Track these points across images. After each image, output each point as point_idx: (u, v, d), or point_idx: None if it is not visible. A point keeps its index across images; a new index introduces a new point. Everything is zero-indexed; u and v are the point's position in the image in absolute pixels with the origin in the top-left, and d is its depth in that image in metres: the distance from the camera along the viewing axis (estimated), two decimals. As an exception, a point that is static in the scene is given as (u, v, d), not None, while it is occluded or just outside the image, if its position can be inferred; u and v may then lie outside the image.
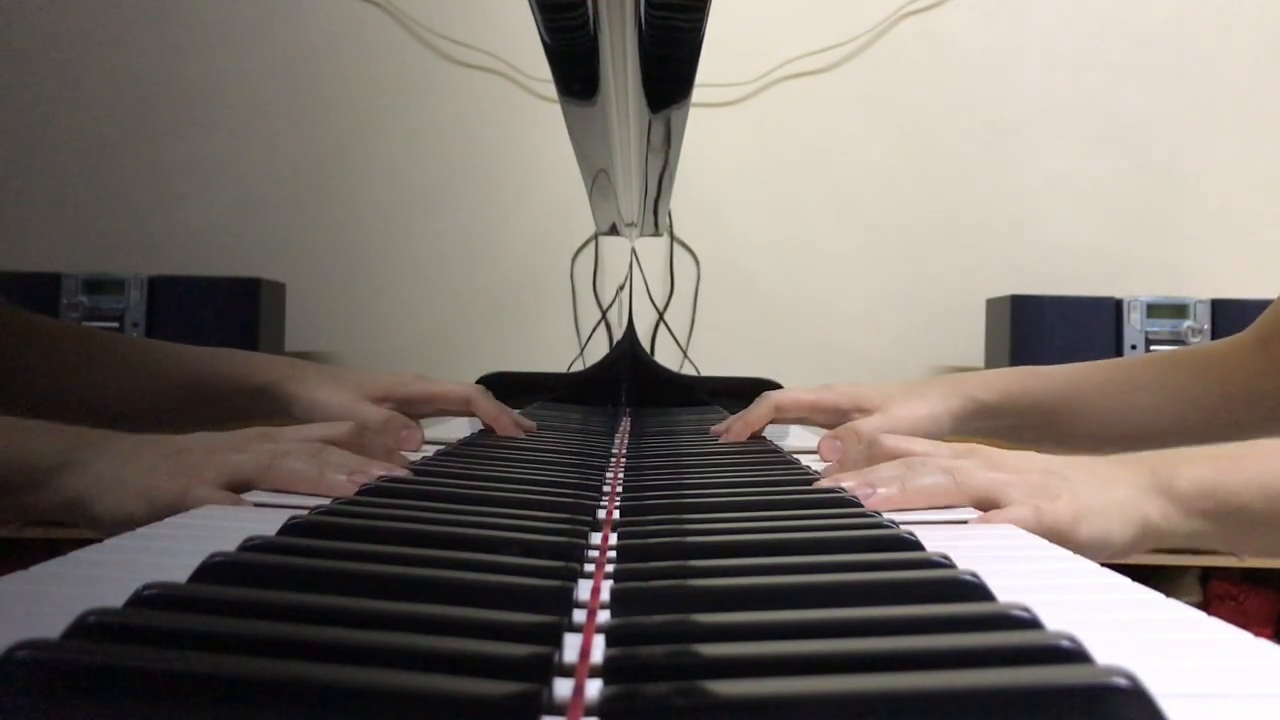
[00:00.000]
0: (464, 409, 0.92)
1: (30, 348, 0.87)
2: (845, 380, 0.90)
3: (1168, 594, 0.37)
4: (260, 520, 0.50)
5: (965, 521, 0.55)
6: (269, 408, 0.88)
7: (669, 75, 0.68)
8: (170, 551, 0.42)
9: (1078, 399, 0.88)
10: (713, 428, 0.90)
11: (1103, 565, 0.45)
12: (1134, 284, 2.11)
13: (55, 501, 0.59)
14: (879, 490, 0.57)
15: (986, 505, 0.57)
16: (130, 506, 0.57)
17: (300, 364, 0.91)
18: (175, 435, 0.63)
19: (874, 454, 0.66)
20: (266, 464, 0.58)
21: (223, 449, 0.60)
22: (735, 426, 0.87)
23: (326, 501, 0.51)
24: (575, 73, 0.68)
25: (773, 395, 0.89)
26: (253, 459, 0.59)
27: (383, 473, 0.59)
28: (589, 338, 2.20)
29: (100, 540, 0.43)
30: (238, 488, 0.57)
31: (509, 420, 0.88)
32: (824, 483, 0.60)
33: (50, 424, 0.61)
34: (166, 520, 0.50)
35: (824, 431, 0.83)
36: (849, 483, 0.59)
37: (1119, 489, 0.60)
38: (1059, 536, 0.56)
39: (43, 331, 0.90)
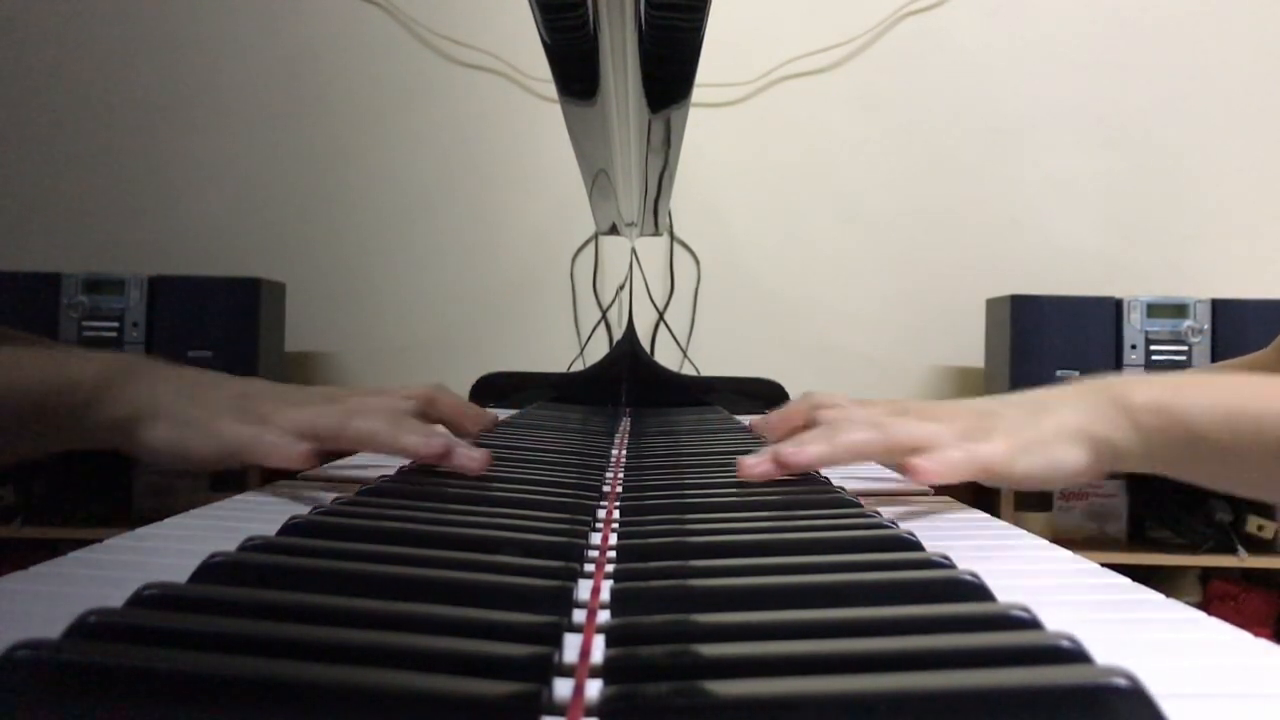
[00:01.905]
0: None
1: None
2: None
3: (1168, 594, 0.37)
4: (260, 520, 0.50)
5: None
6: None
7: (669, 75, 0.68)
8: (170, 551, 0.42)
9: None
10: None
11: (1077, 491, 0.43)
12: (1134, 284, 2.11)
13: (101, 422, 0.58)
14: (808, 449, 0.56)
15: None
16: (187, 441, 0.56)
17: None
18: (239, 378, 0.61)
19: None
20: (342, 420, 0.57)
21: (293, 400, 0.59)
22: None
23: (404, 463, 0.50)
24: (575, 73, 0.68)
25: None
26: (327, 413, 0.57)
27: (462, 450, 0.57)
28: (589, 338, 2.20)
29: (148, 467, 0.43)
30: (310, 440, 0.56)
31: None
32: (748, 461, 0.57)
33: (105, 353, 0.61)
34: (167, 520, 0.50)
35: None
36: (781, 445, 0.58)
37: (1065, 414, 0.58)
38: (996, 475, 0.56)
39: None
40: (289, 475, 0.66)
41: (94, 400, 0.58)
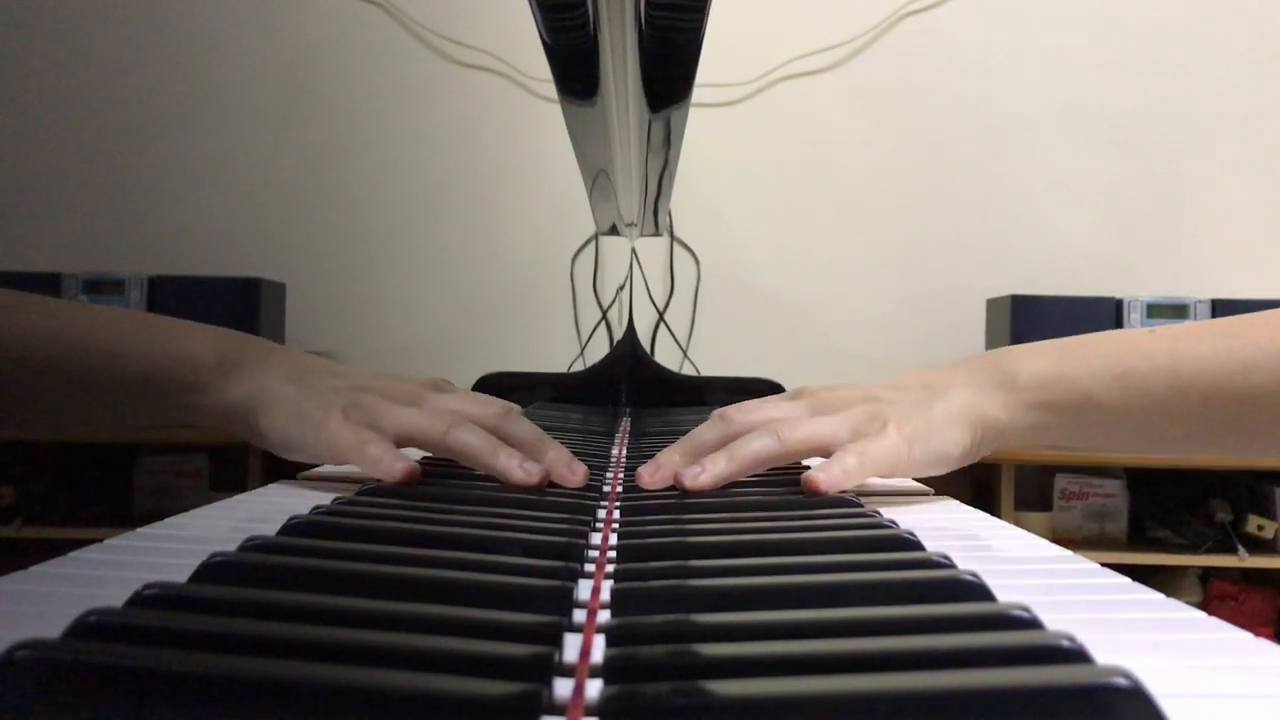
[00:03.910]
0: None
1: None
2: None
3: (1168, 594, 0.37)
4: (260, 520, 0.50)
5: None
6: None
7: (669, 75, 0.68)
8: (170, 551, 0.42)
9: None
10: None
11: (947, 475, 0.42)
12: (1134, 284, 2.11)
13: (218, 404, 0.58)
14: (707, 468, 0.55)
15: (817, 456, 0.57)
16: (300, 436, 0.56)
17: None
18: (340, 367, 0.61)
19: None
20: (444, 430, 0.57)
21: (397, 396, 0.59)
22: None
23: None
24: (575, 73, 0.68)
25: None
26: (431, 421, 0.57)
27: (563, 465, 0.56)
28: (589, 338, 2.20)
29: (258, 450, 0.42)
30: (410, 445, 0.56)
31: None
32: (645, 474, 0.56)
33: (211, 327, 0.60)
34: (167, 520, 0.50)
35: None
36: (674, 462, 0.57)
37: (956, 394, 0.59)
38: (894, 468, 0.57)
39: None
40: (290, 474, 0.66)
41: (210, 382, 0.58)
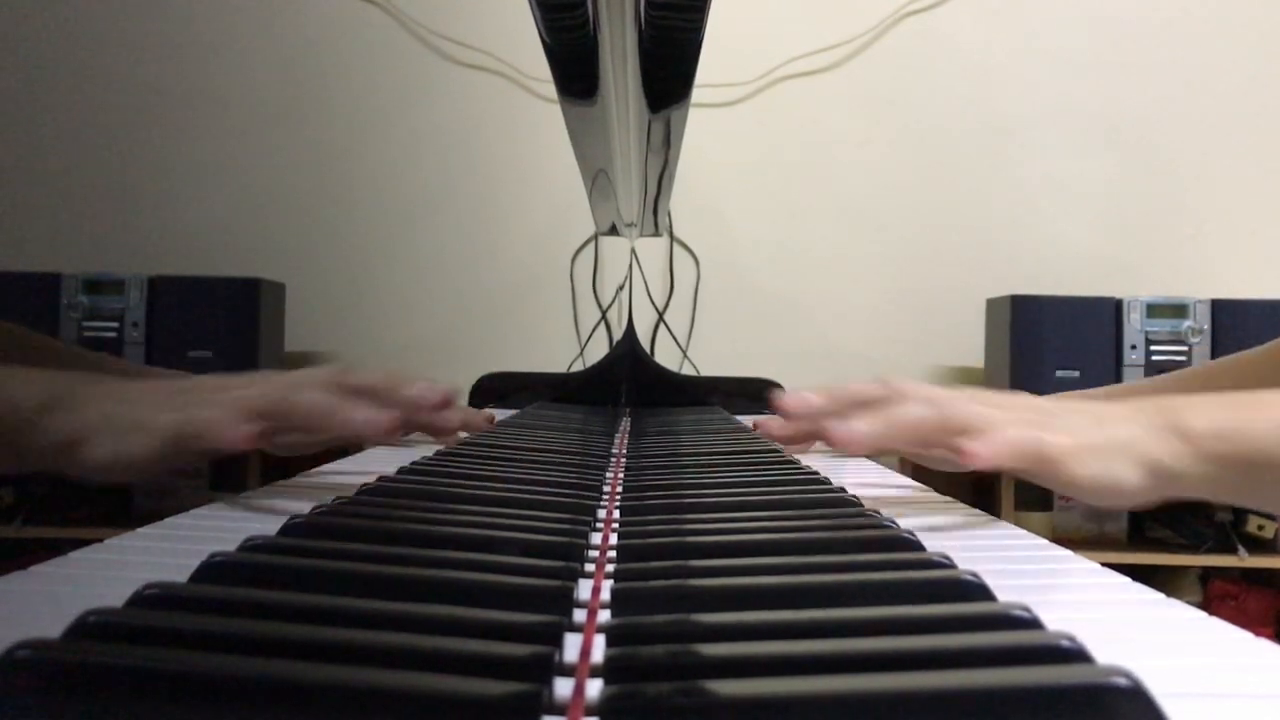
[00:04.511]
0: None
1: None
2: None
3: (1168, 594, 0.37)
4: (260, 520, 0.50)
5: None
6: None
7: (669, 75, 0.68)
8: (170, 551, 0.42)
9: None
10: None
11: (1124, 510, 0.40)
12: (1134, 284, 2.11)
13: (46, 445, 0.54)
14: (856, 425, 0.53)
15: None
16: (126, 446, 0.52)
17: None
18: (177, 378, 0.59)
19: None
20: (282, 395, 0.54)
21: (232, 385, 0.56)
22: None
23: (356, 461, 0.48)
24: (575, 73, 0.68)
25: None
26: (267, 389, 0.55)
27: (413, 392, 0.55)
28: (589, 338, 2.20)
29: (96, 488, 0.41)
30: (254, 420, 0.53)
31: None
32: (788, 400, 0.54)
33: (40, 369, 0.58)
34: (167, 520, 0.50)
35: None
36: (822, 404, 0.54)
37: (1122, 429, 0.54)
38: (1055, 469, 0.52)
39: None
40: (286, 473, 0.66)
41: (33, 423, 0.54)
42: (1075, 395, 0.59)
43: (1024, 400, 0.57)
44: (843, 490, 0.57)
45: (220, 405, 0.53)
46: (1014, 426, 0.52)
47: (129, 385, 0.57)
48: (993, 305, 2.09)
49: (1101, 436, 0.54)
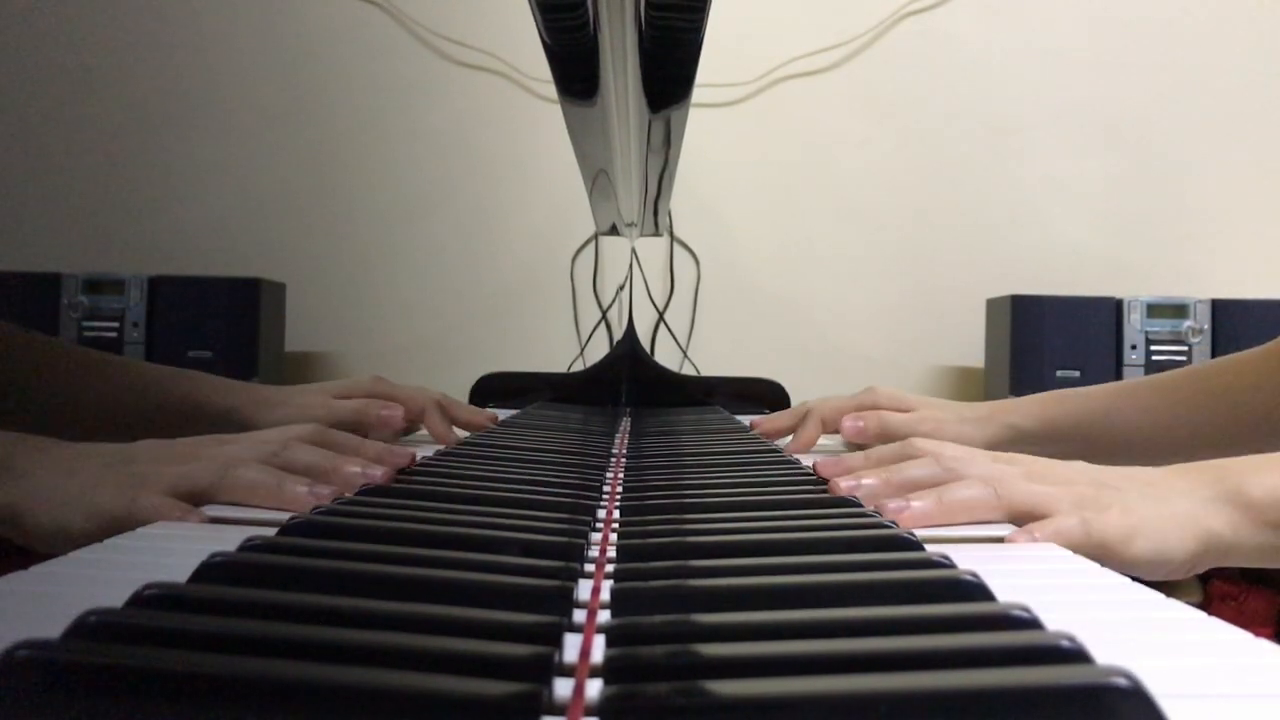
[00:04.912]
0: (417, 419, 0.89)
1: (32, 365, 0.83)
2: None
3: (1168, 594, 0.37)
4: (262, 520, 0.50)
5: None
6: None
7: (669, 75, 0.68)
8: (170, 551, 0.42)
9: (1118, 418, 0.83)
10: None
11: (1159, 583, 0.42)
12: (1134, 284, 2.11)
13: None
14: (913, 504, 0.53)
15: (1029, 520, 0.53)
16: (67, 519, 0.52)
17: (259, 388, 0.88)
18: (121, 444, 0.58)
19: (905, 452, 0.61)
20: (220, 473, 0.54)
21: (171, 458, 0.56)
22: (793, 448, 0.85)
23: (285, 516, 0.47)
24: (575, 73, 0.68)
25: (816, 409, 0.87)
26: (205, 468, 0.55)
27: (356, 469, 0.57)
28: (589, 338, 2.20)
29: (37, 556, 0.41)
30: (190, 500, 0.53)
31: (456, 441, 0.84)
32: (844, 484, 0.57)
33: None
34: (166, 520, 0.50)
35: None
36: (877, 489, 0.56)
37: (1177, 501, 0.55)
38: (1108, 552, 0.52)
39: (38, 348, 0.86)
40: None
41: None
42: (1125, 469, 0.59)
43: (1080, 471, 0.58)
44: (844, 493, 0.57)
45: (159, 485, 0.53)
46: (1068, 512, 0.53)
47: (65, 450, 0.57)
48: (993, 305, 2.09)
49: (1155, 512, 0.54)
